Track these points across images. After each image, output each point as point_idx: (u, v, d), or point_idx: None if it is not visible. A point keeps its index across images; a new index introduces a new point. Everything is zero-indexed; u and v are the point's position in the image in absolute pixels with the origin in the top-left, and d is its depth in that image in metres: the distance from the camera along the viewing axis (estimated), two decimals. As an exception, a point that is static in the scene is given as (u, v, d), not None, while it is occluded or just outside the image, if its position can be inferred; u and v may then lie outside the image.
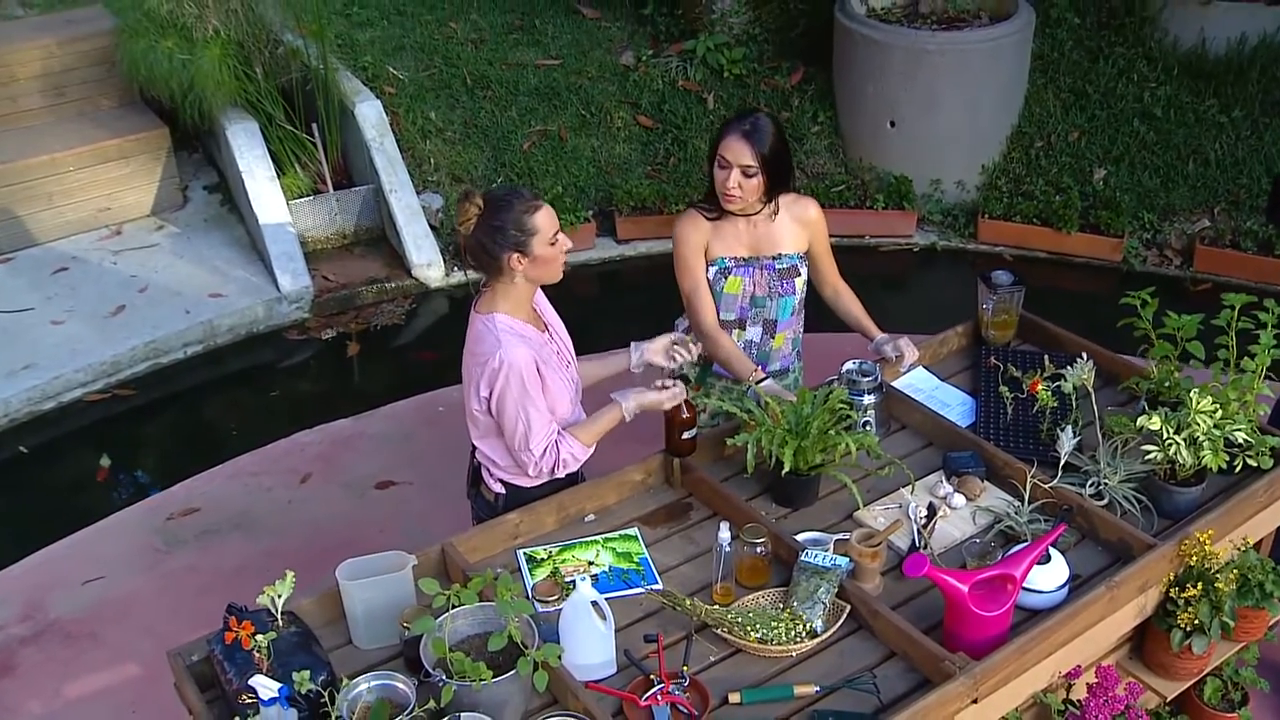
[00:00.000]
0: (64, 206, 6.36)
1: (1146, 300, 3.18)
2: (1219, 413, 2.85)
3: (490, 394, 2.86)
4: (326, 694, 2.19)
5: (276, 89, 6.34)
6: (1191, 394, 2.87)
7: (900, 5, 6.90)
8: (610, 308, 6.16)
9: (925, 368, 3.59)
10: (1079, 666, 2.73)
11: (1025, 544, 2.73)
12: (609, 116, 7.00)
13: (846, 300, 3.58)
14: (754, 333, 3.46)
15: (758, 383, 3.25)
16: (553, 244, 2.84)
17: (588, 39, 7.50)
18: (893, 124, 6.61)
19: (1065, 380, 3.18)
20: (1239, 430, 2.85)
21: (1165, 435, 2.83)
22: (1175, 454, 2.83)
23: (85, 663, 3.94)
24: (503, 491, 3.05)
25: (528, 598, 2.74)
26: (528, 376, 2.83)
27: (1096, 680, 2.71)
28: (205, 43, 5.96)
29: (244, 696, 2.29)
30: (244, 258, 6.25)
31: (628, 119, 7.02)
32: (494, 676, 2.31)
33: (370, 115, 6.39)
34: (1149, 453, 2.88)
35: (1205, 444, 2.81)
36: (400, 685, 2.37)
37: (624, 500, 3.09)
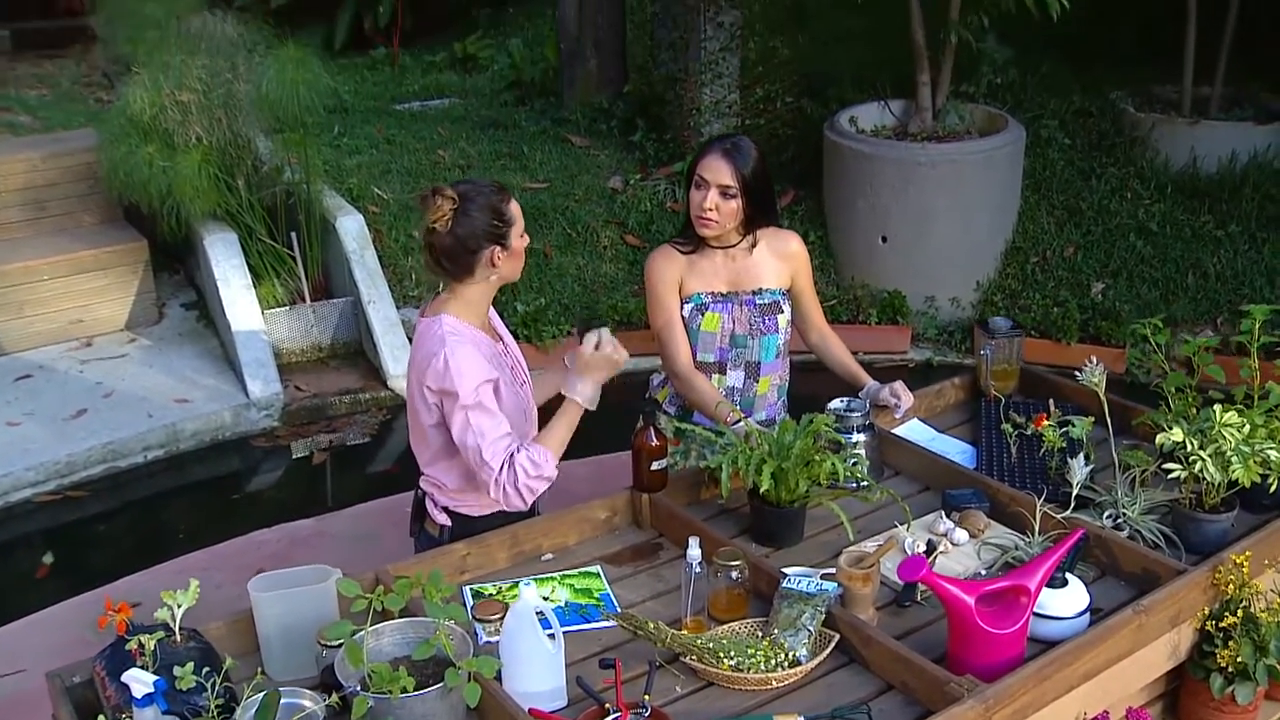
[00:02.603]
0: (35, 316, 6.17)
1: (1159, 326, 2.95)
2: (1246, 428, 2.56)
3: (440, 400, 2.58)
4: (210, 694, 1.83)
5: (259, 202, 6.25)
6: (1215, 408, 2.59)
7: (889, 126, 6.88)
8: (593, 418, 5.88)
9: (921, 420, 3.31)
10: (1106, 712, 2.36)
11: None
12: (595, 236, 6.90)
13: (834, 347, 3.34)
14: (735, 378, 3.19)
15: (739, 422, 2.97)
16: (522, 236, 2.68)
17: (576, 164, 7.48)
18: (884, 239, 6.48)
19: (1074, 425, 2.92)
20: (1271, 449, 2.56)
21: (1190, 450, 2.54)
22: (1201, 471, 2.53)
23: (-11, 759, 3.52)
24: (448, 524, 2.73)
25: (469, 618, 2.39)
26: (476, 373, 2.56)
27: (1128, 726, 2.34)
28: (186, 149, 5.90)
29: (124, 715, 1.94)
30: (215, 367, 6.03)
31: (615, 238, 6.92)
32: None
33: (351, 228, 6.28)
34: (1171, 472, 2.57)
35: (1234, 458, 2.50)
36: (307, 702, 2.01)
37: (585, 540, 2.76)
